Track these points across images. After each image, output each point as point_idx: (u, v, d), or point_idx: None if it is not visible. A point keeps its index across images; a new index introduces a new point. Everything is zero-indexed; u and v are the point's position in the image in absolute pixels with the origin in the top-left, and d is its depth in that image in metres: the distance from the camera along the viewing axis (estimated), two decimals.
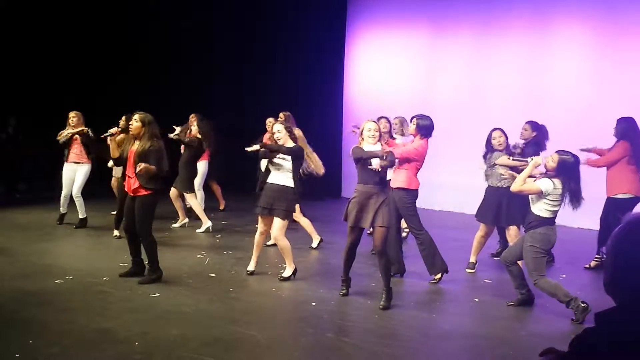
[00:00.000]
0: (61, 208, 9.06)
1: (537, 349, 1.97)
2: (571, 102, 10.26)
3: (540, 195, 5.53)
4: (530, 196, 5.63)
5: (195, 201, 9.15)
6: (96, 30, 12.80)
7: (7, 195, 11.42)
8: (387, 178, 6.06)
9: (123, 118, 8.53)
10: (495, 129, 7.10)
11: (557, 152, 5.66)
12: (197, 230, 9.01)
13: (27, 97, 12.35)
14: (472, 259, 7.30)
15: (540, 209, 5.59)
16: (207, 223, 9.05)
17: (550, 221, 5.62)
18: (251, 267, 6.76)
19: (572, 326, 5.41)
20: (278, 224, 6.43)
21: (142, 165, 6.03)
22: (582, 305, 5.45)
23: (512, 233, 7.02)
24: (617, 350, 1.60)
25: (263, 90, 12.88)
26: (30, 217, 9.64)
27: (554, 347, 1.88)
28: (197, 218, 9.18)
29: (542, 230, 5.59)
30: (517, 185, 5.60)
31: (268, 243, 7.80)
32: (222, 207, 10.73)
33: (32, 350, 4.47)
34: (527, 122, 7.60)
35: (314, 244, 8.22)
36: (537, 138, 7.48)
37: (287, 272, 6.61)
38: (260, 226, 6.68)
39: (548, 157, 5.65)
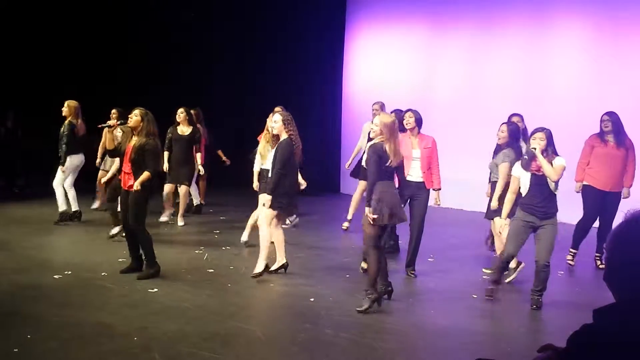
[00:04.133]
0: (73, 205, 8.84)
1: (535, 345, 1.98)
2: (571, 98, 10.25)
3: (563, 174, 5.63)
4: (552, 182, 5.64)
5: (187, 198, 9.15)
6: (94, 22, 12.77)
7: (5, 190, 11.40)
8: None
9: (114, 110, 8.44)
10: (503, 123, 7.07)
11: (533, 131, 5.79)
12: (160, 219, 9.06)
13: (26, 92, 12.33)
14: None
15: (558, 188, 5.67)
16: (167, 215, 9.10)
17: None
18: (280, 262, 6.70)
19: (571, 322, 5.41)
20: (263, 212, 6.48)
21: (136, 185, 6.17)
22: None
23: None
24: (614, 347, 1.61)
25: (262, 87, 12.85)
26: (29, 211, 9.63)
27: (551, 343, 1.88)
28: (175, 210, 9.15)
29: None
30: (553, 173, 5.59)
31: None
32: (200, 201, 10.60)
33: (30, 344, 4.48)
34: (515, 115, 7.60)
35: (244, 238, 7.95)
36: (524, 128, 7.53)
37: (258, 268, 6.43)
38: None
39: (534, 142, 5.65)
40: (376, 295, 5.52)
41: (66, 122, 8.62)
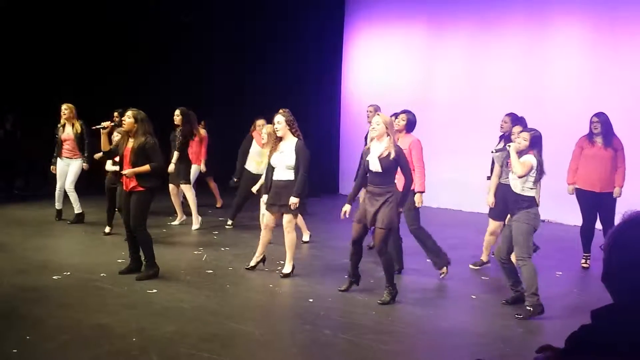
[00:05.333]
0: (57, 203, 9.01)
1: (534, 345, 1.98)
2: (570, 98, 10.24)
3: (529, 172, 5.57)
4: (515, 181, 5.65)
5: (192, 193, 9.08)
6: (93, 23, 12.76)
7: (4, 191, 11.40)
8: (395, 180, 5.91)
9: (116, 113, 8.50)
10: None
11: (523, 130, 5.88)
12: (193, 228, 8.97)
13: (25, 93, 12.32)
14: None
15: (528, 187, 5.63)
16: (197, 221, 9.02)
17: (535, 200, 5.71)
18: (254, 262, 6.74)
19: (569, 323, 5.41)
20: (287, 217, 6.48)
21: (127, 171, 6.19)
22: (540, 305, 5.53)
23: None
24: (612, 348, 1.61)
25: (260, 87, 12.85)
26: (28, 213, 9.62)
27: (550, 344, 1.88)
28: (189, 214, 9.12)
29: (535, 211, 5.66)
30: (518, 168, 5.58)
31: None
32: (219, 204, 10.68)
33: (29, 346, 4.48)
34: (506, 115, 7.56)
35: (305, 238, 8.33)
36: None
37: (287, 269, 6.61)
38: (268, 220, 6.66)
39: (518, 139, 5.72)
40: (396, 291, 5.83)
41: (79, 123, 8.85)
